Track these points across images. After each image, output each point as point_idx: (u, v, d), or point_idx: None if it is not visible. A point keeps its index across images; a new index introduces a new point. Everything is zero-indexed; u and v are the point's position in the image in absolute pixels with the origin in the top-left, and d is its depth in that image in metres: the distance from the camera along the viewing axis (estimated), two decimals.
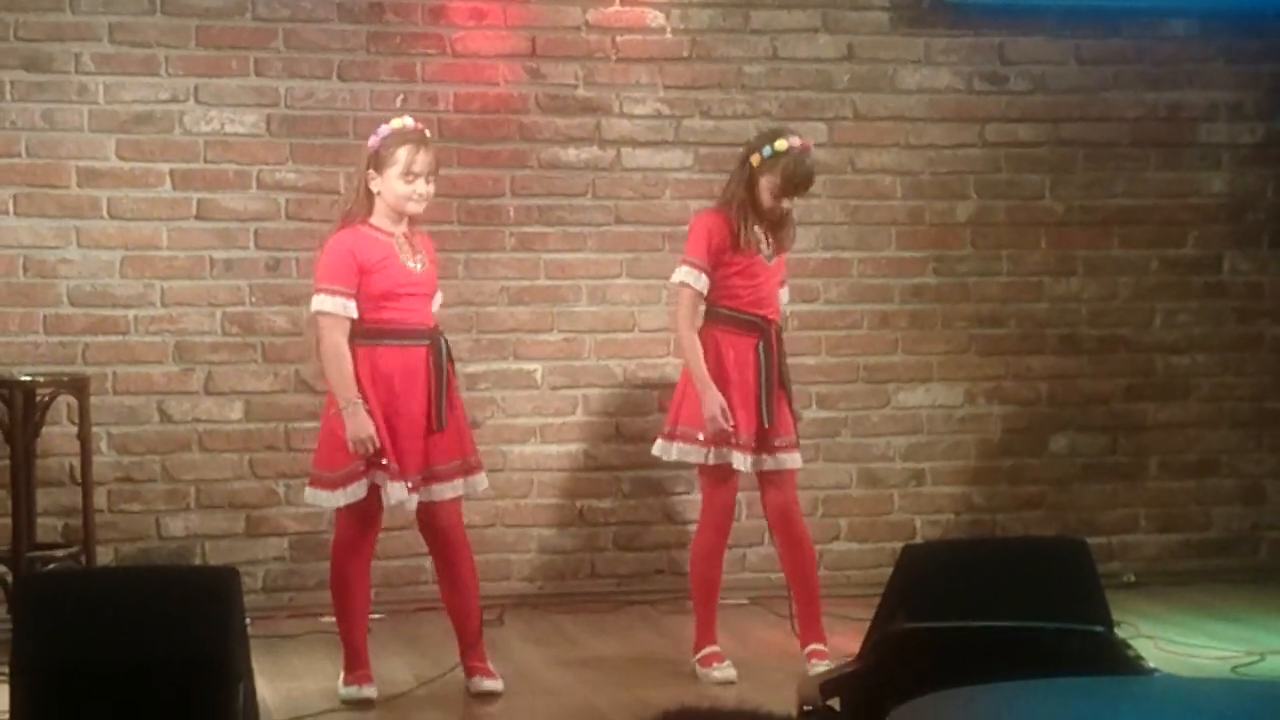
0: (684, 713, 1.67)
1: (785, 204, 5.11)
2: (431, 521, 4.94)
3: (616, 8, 6.25)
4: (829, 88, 6.40)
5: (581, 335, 6.26)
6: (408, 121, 4.93)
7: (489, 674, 4.98)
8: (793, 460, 5.17)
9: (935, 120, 6.47)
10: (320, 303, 4.81)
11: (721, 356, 5.10)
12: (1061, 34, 6.55)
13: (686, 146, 6.30)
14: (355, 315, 4.79)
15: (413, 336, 4.84)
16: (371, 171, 4.86)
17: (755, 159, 5.09)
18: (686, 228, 6.26)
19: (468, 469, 4.93)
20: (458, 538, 4.96)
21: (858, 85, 6.42)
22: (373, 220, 4.87)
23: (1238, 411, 6.72)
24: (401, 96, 6.08)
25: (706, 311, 5.17)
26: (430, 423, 4.82)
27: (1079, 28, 6.56)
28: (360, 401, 4.74)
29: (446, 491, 4.88)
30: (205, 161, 5.97)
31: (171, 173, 5.95)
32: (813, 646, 5.14)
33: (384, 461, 4.76)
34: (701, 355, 5.12)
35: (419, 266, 4.88)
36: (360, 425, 4.72)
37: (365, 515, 4.85)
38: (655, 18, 6.28)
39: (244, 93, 5.99)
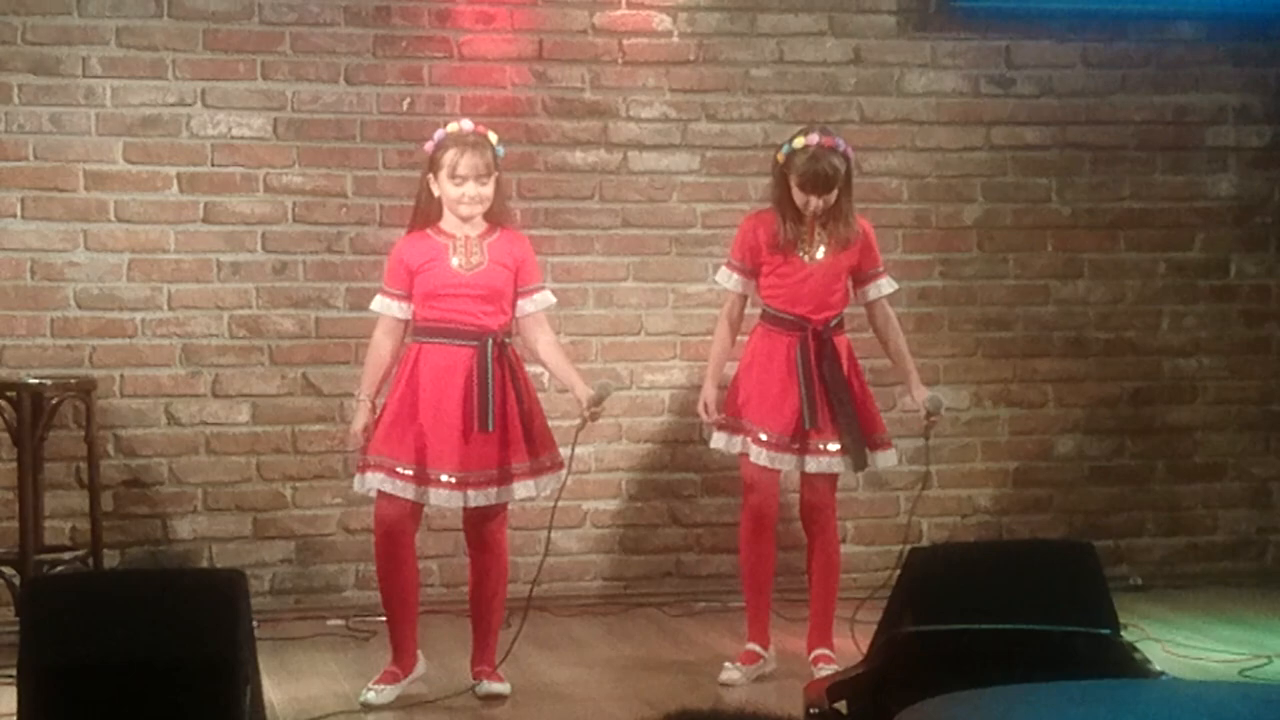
0: (685, 715, 1.66)
1: (816, 201, 5.04)
2: (469, 522, 4.98)
3: (623, 11, 6.26)
4: (835, 91, 6.40)
5: (588, 338, 6.27)
6: (464, 125, 4.96)
7: (496, 677, 4.99)
8: (821, 464, 5.10)
9: (942, 123, 6.47)
10: (374, 303, 5.02)
11: (758, 353, 5.14)
12: (1068, 37, 6.55)
13: (693, 150, 6.31)
14: (403, 316, 4.92)
15: (458, 337, 4.85)
16: (430, 176, 4.91)
17: (780, 156, 5.09)
18: (693, 231, 6.32)
19: (506, 476, 4.89)
20: (490, 541, 4.97)
21: (864, 88, 6.42)
22: (441, 223, 4.93)
23: (1245, 415, 6.72)
24: (408, 100, 6.09)
25: (760, 310, 5.20)
26: (468, 424, 4.81)
27: (1086, 31, 6.56)
28: (368, 400, 4.91)
29: (481, 498, 4.87)
30: (212, 165, 5.98)
31: (179, 176, 5.96)
32: (819, 651, 5.13)
33: (370, 456, 4.86)
34: (720, 351, 5.24)
35: (471, 267, 4.88)
36: (355, 420, 4.94)
37: (387, 508, 4.86)
38: (662, 21, 6.29)
39: (251, 96, 6.00)
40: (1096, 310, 6.62)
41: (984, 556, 4.44)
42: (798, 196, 5.04)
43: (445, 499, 4.85)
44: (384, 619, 5.06)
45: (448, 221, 4.93)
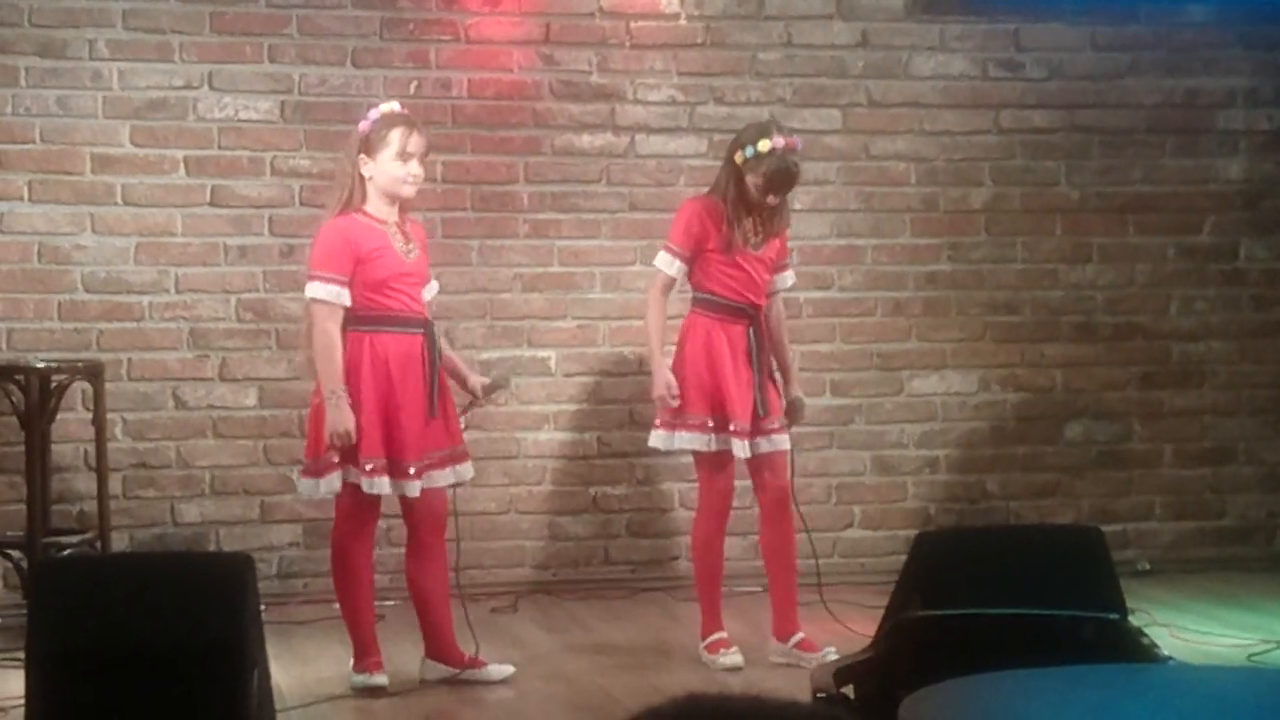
0: (693, 699, 1.66)
1: (773, 199, 5.05)
2: (422, 506, 4.88)
3: None
4: (843, 74, 6.38)
5: (595, 322, 6.26)
6: (395, 106, 4.97)
7: (479, 663, 4.95)
8: (774, 443, 5.12)
9: (950, 107, 6.45)
10: (314, 289, 4.81)
11: (711, 342, 5.10)
12: (1078, 20, 6.52)
13: (700, 133, 6.29)
14: (348, 303, 4.79)
15: (409, 324, 4.84)
16: (363, 156, 4.84)
17: (739, 157, 5.05)
18: None
19: (455, 457, 4.90)
20: (440, 524, 4.92)
21: (872, 72, 6.40)
22: (367, 207, 4.86)
23: (1254, 399, 6.70)
24: (415, 83, 6.08)
25: (696, 298, 5.18)
26: (426, 410, 4.81)
27: (1095, 14, 6.54)
28: (344, 393, 4.72)
29: (442, 479, 4.86)
30: (219, 148, 5.97)
31: (185, 159, 5.95)
32: (798, 636, 5.11)
33: (362, 460, 4.75)
34: (658, 335, 5.18)
35: (411, 256, 4.88)
36: (341, 418, 4.70)
37: (361, 503, 4.84)
38: (669, 4, 6.27)
39: (258, 79, 5.99)
40: (1105, 294, 6.60)
41: (991, 541, 4.44)
42: (756, 195, 5.03)
43: (416, 489, 4.80)
44: (364, 611, 4.96)
45: (374, 205, 4.86)
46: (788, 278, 5.31)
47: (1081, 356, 6.59)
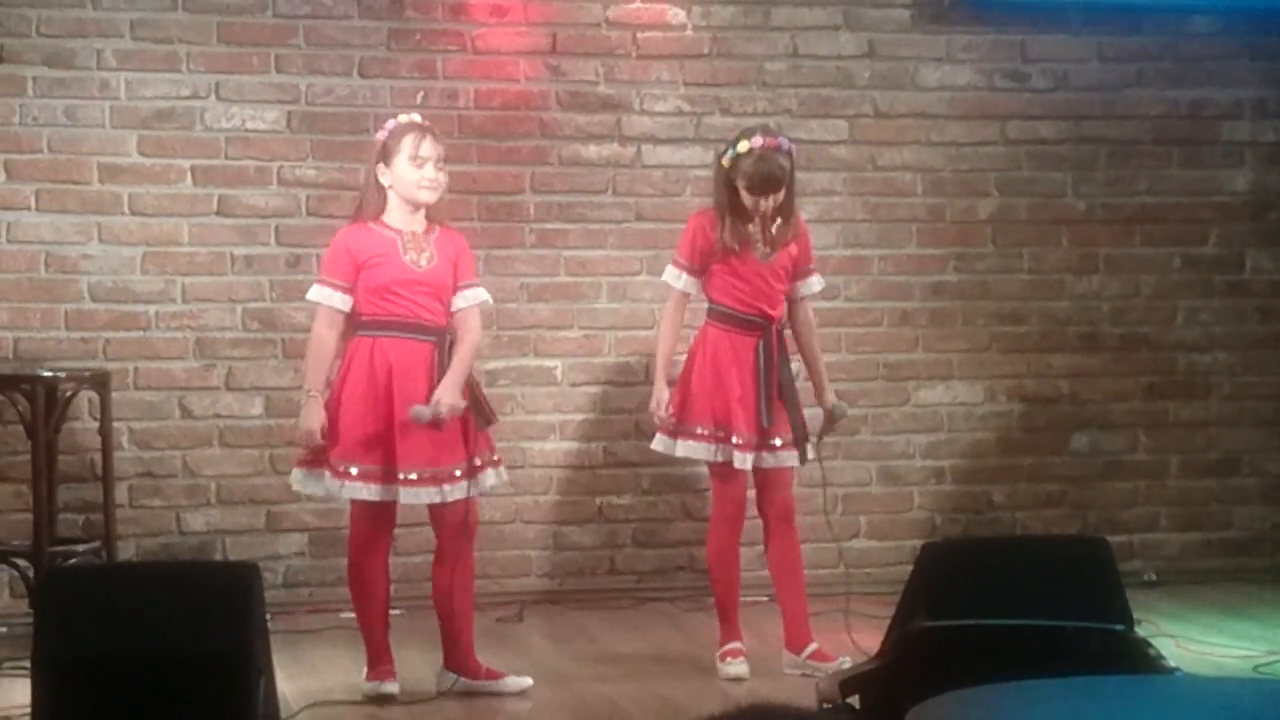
0: (757, 709, 1.66)
1: (764, 203, 5.03)
2: (443, 513, 4.91)
3: (637, 4, 6.25)
4: (850, 85, 6.39)
5: (602, 332, 6.27)
6: (415, 117, 4.98)
7: (497, 675, 4.96)
8: (781, 459, 5.10)
9: (956, 118, 6.46)
10: (312, 292, 4.92)
11: (718, 353, 5.10)
12: (1084, 31, 6.53)
13: (707, 144, 6.29)
14: (345, 308, 4.84)
15: (415, 331, 4.83)
16: (381, 165, 4.88)
17: (725, 160, 5.06)
18: None
19: (473, 468, 4.86)
20: (459, 532, 4.91)
21: (879, 82, 6.40)
22: (385, 217, 4.88)
23: (1259, 410, 6.70)
24: (422, 93, 6.09)
25: (708, 309, 5.17)
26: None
27: (1101, 25, 6.54)
28: (319, 394, 4.79)
29: (458, 491, 4.84)
30: (226, 158, 5.98)
31: (192, 169, 5.96)
32: (813, 648, 5.10)
33: (336, 462, 4.78)
34: (663, 350, 5.18)
35: (423, 264, 4.86)
36: (309, 417, 4.79)
37: (369, 510, 4.85)
38: (676, 14, 6.28)
39: (265, 89, 6.00)
40: (1111, 305, 6.60)
41: (998, 552, 4.44)
42: (747, 199, 5.03)
43: (416, 495, 4.80)
44: (378, 618, 4.96)
45: (393, 216, 4.88)
46: (812, 284, 5.25)
47: (1087, 367, 6.58)
